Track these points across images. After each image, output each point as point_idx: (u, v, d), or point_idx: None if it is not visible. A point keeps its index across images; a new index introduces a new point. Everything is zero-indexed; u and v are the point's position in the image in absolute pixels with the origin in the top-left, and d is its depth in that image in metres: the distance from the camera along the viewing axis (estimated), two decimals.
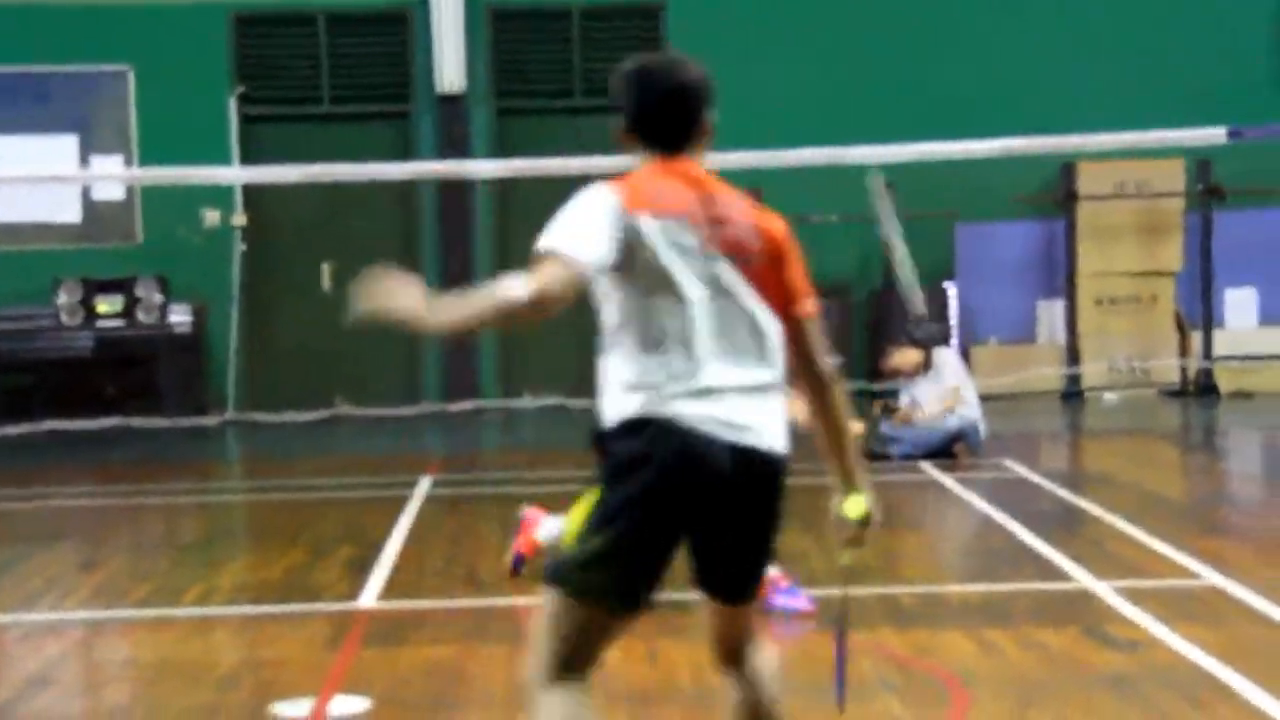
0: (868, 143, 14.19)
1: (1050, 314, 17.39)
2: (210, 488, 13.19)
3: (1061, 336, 17.24)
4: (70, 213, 17.19)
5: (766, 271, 4.22)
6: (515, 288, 3.87)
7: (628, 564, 4.12)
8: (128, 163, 17.07)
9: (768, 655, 4.47)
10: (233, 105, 17.20)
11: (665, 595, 8.48)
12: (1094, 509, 10.27)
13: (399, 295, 3.89)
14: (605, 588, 4.13)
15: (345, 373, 17.26)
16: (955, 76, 17.54)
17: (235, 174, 16.19)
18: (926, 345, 12.91)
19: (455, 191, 17.22)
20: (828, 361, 4.31)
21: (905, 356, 12.91)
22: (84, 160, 17.10)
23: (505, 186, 16.95)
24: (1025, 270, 17.59)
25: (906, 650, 6.94)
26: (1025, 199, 17.37)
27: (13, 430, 15.75)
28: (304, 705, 6.31)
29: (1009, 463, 12.31)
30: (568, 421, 16.14)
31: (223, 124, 17.19)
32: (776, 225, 4.32)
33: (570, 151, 14.53)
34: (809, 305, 4.30)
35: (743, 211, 4.26)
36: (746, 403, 4.14)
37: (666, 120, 4.30)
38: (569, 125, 17.33)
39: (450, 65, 17.21)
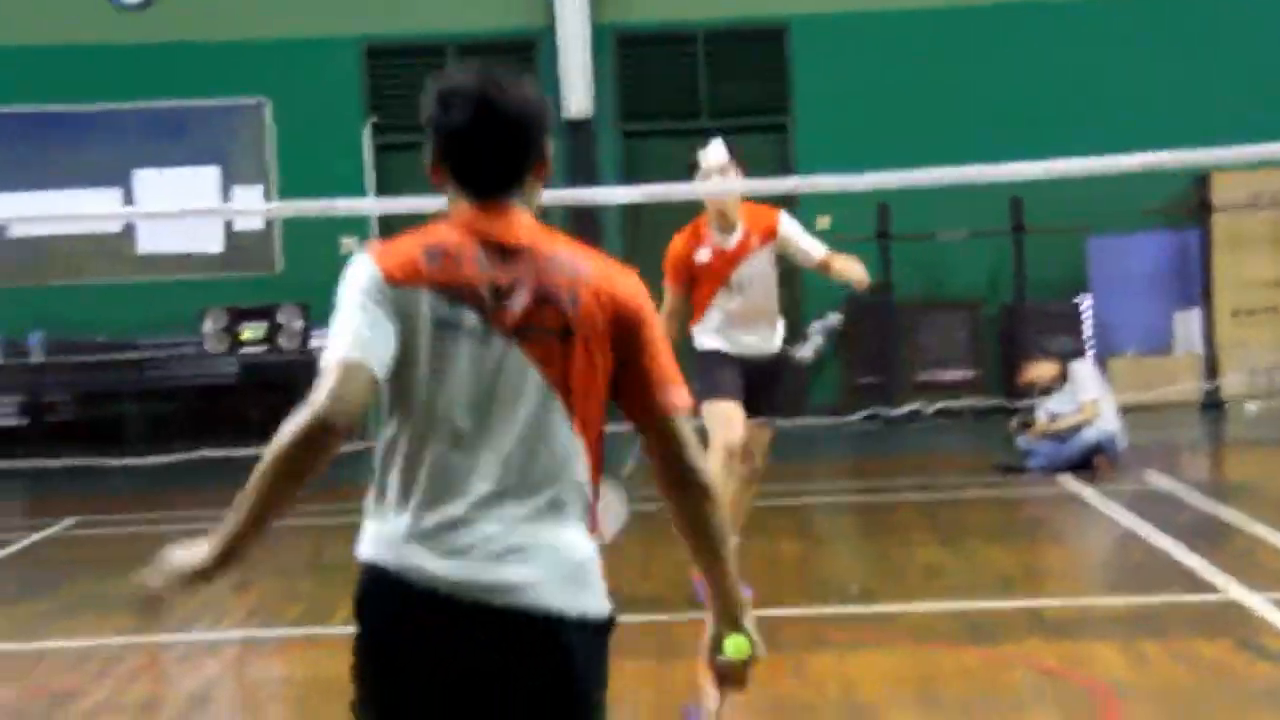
0: (997, 160, 14.16)
1: (1187, 325, 17.21)
2: (351, 509, 13.36)
3: (1199, 347, 17.05)
4: (213, 243, 17.53)
5: (598, 352, 3.22)
6: (296, 420, 3.10)
7: None
8: (267, 192, 17.37)
9: None
10: (367, 135, 17.48)
11: (812, 608, 8.53)
12: (1240, 519, 10.17)
13: (171, 560, 3.18)
14: None
15: None
16: (1084, 89, 17.43)
17: (373, 205, 16.41)
18: (1062, 359, 12.85)
19: (585, 218, 17.36)
20: (702, 468, 3.29)
21: (1041, 370, 12.86)
22: (225, 191, 17.43)
23: (634, 211, 17.06)
24: (1160, 282, 17.42)
25: (1056, 662, 6.92)
26: (1158, 210, 17.22)
27: (163, 458, 16.07)
28: None
29: (1150, 474, 12.21)
30: None
31: (357, 153, 17.46)
32: (627, 290, 3.28)
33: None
34: (674, 396, 3.27)
35: (566, 269, 3.23)
36: (516, 548, 3.14)
37: (477, 156, 3.29)
38: (696, 148, 17.39)
39: (578, 91, 17.36)
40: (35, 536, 11.78)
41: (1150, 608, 7.99)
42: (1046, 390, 12.79)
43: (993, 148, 14.75)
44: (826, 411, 17.13)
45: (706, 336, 8.28)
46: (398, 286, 3.17)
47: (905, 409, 16.78)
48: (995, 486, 12.27)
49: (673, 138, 17.54)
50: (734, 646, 3.35)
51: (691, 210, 8.91)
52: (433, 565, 3.12)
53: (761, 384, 8.18)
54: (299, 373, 16.76)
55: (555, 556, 3.16)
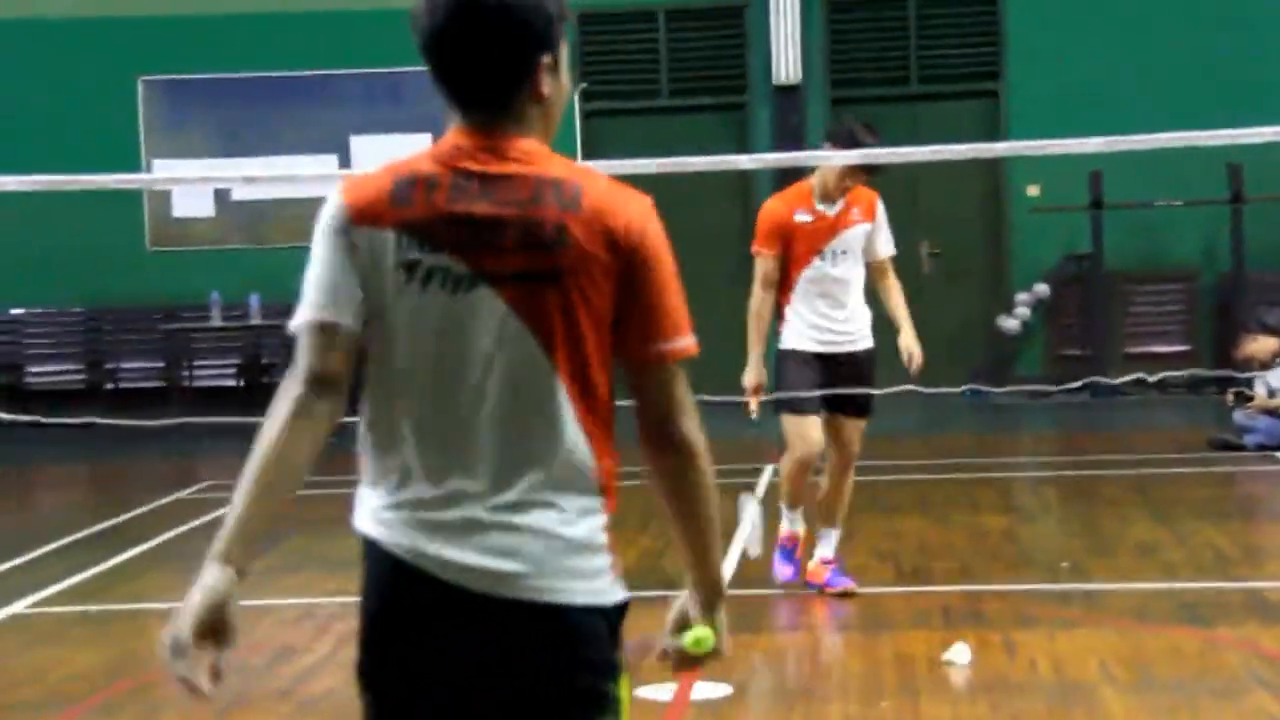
0: (1214, 126, 13.85)
1: None
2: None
3: None
4: None
5: (591, 293, 2.78)
6: (283, 393, 2.87)
7: None
8: None
9: None
10: (577, 101, 17.61)
11: (1020, 584, 8.44)
12: None
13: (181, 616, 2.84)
14: None
15: None
16: None
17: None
18: None
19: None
20: (689, 428, 2.83)
21: (1259, 344, 12.59)
22: None
23: None
24: None
25: (1274, 646, 6.79)
26: None
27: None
28: (667, 690, 6.46)
29: None
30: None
31: (569, 119, 17.59)
32: (629, 213, 2.81)
33: (905, 140, 14.50)
34: (675, 343, 2.82)
35: (555, 200, 2.78)
36: (503, 530, 2.76)
37: (456, 63, 2.84)
38: (905, 114, 17.26)
39: (787, 56, 17.31)
40: None
41: None
42: (1265, 365, 12.52)
43: (1210, 113, 14.44)
44: (1032, 383, 16.92)
45: (792, 330, 8.02)
46: (361, 226, 2.81)
47: (1116, 381, 16.52)
48: (1210, 463, 12.04)
49: (882, 104, 17.42)
50: (695, 639, 2.92)
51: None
52: (420, 543, 2.78)
53: (850, 383, 7.99)
54: None
55: (549, 540, 2.77)
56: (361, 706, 2.91)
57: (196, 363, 17.61)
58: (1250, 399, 12.50)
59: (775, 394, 8.00)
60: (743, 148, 17.12)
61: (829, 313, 7.97)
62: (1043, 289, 17.25)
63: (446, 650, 2.78)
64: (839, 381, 7.92)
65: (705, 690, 6.41)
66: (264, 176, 15.61)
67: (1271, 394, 12.37)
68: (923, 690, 6.27)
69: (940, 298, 16.89)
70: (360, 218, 2.82)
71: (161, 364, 17.66)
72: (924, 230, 17.15)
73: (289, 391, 2.85)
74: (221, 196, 17.82)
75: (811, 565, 8.06)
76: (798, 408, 7.90)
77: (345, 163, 17.53)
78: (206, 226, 17.95)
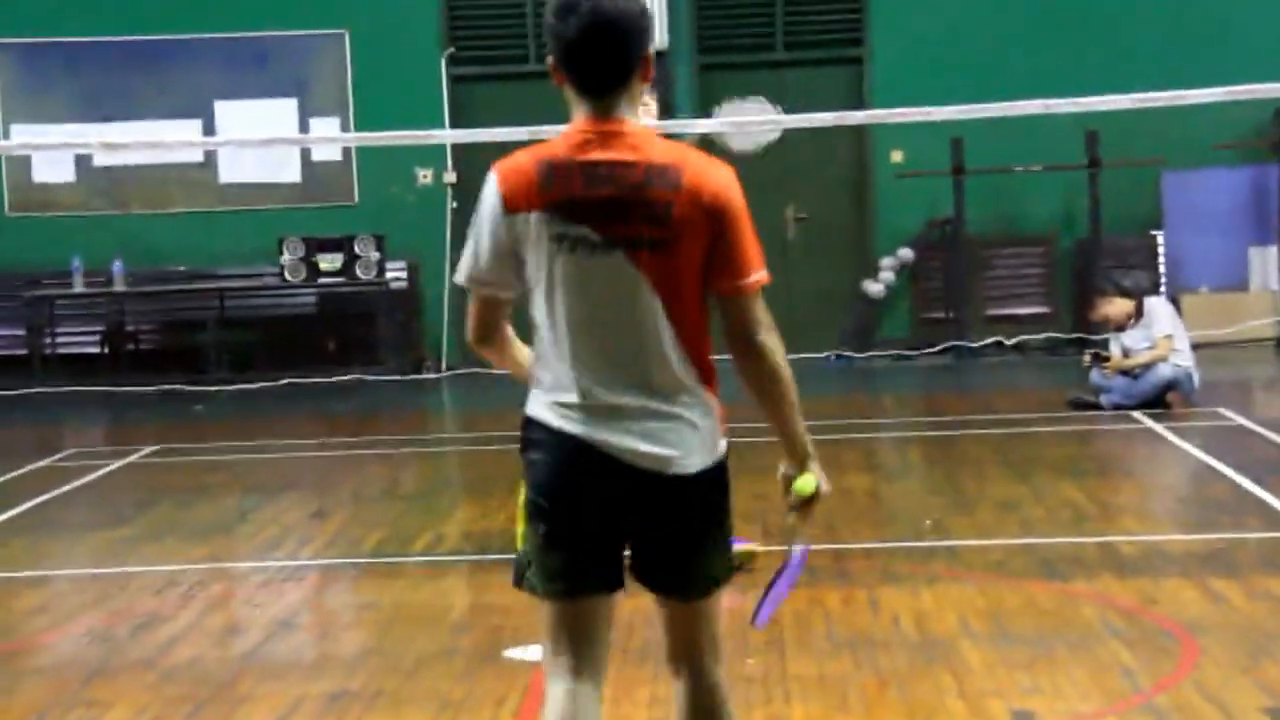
0: (1072, 92, 14.08)
1: (1263, 261, 17.08)
2: (429, 439, 13.54)
3: (1275, 284, 16.94)
4: (292, 173, 17.69)
5: (691, 251, 3.79)
6: (474, 345, 4.04)
7: (550, 557, 3.91)
8: (344, 124, 17.48)
9: (720, 671, 4.08)
10: (443, 66, 17.54)
11: (884, 543, 8.61)
12: None
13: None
14: (548, 585, 3.94)
15: None
16: (1160, 21, 17.28)
17: (449, 135, 16.49)
18: (1136, 294, 12.80)
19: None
20: (766, 337, 3.85)
21: (1115, 306, 12.82)
22: (303, 123, 17.54)
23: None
24: (1235, 217, 17.29)
25: (1131, 600, 6.97)
26: (1234, 145, 17.08)
27: (243, 385, 16.28)
28: (535, 650, 6.51)
29: (1224, 411, 12.19)
30: None
31: (435, 84, 17.54)
32: (716, 184, 3.81)
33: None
34: (750, 279, 3.83)
35: (662, 182, 3.78)
36: (631, 418, 3.82)
37: (589, 60, 3.82)
38: (772, 80, 17.35)
39: (654, 22, 17.34)
40: (117, 463, 11.99)
41: (1226, 545, 8.00)
42: (1120, 326, 12.77)
43: (1068, 80, 14.68)
44: (897, 346, 17.16)
45: None
46: (517, 213, 3.80)
47: (977, 344, 16.78)
48: (1068, 422, 12.29)
49: (749, 70, 17.52)
50: (799, 486, 3.97)
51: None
52: (594, 432, 3.81)
53: None
54: (375, 303, 16.95)
55: (678, 434, 3.82)
56: (534, 532, 3.92)
57: (59, 330, 17.38)
58: (1106, 359, 12.75)
59: None
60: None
61: None
62: (906, 253, 17.46)
63: (612, 496, 3.84)
64: None
65: None
66: (126, 143, 15.45)
67: (1126, 354, 12.63)
68: (789, 647, 6.37)
69: (806, 263, 17.08)
70: (515, 206, 3.81)
71: (23, 331, 17.41)
72: (790, 195, 17.31)
73: (473, 342, 4.02)
74: (83, 161, 17.57)
75: None
76: None
77: (209, 128, 17.35)
78: (67, 192, 17.70)
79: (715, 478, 3.90)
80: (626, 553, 3.96)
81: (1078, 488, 9.56)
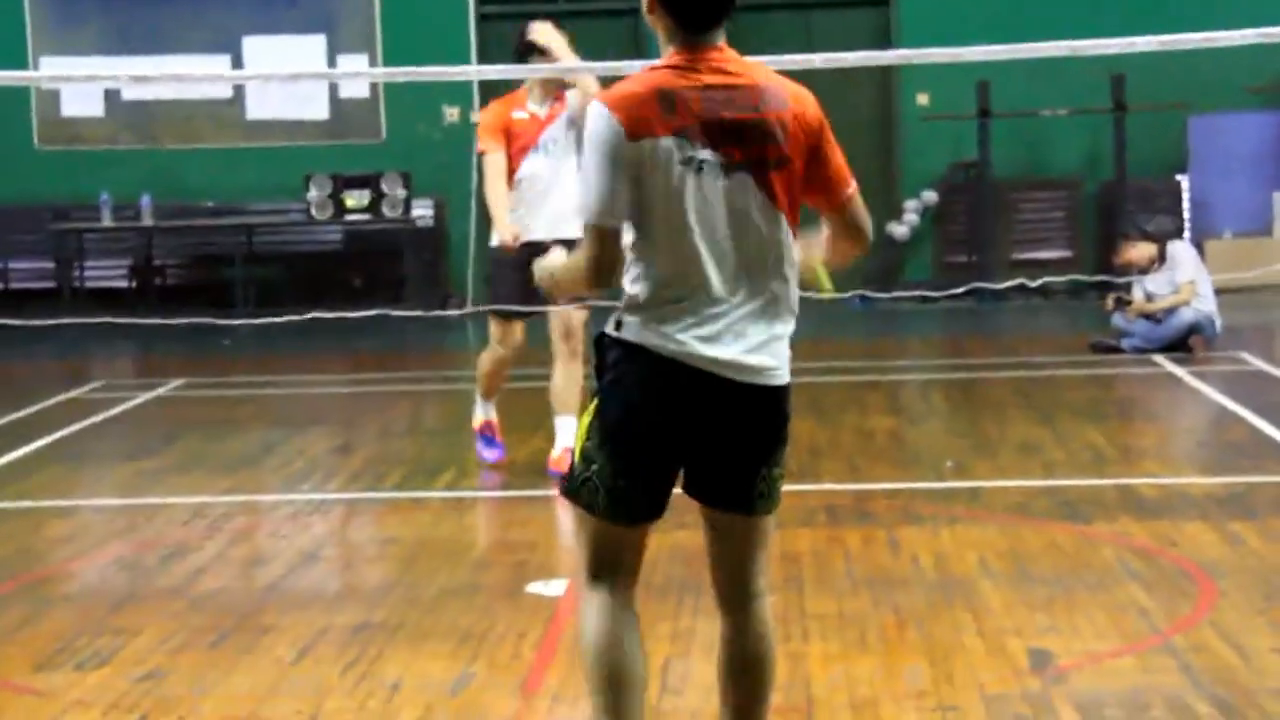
0: (1099, 35, 14.03)
1: None
2: (453, 375, 13.58)
3: None
4: (319, 110, 17.71)
5: (800, 167, 3.99)
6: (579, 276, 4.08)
7: (620, 482, 3.97)
8: (371, 61, 17.50)
9: (766, 609, 4.12)
10: (471, 3, 17.52)
11: (905, 484, 8.66)
12: None
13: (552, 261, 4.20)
14: (605, 504, 3.99)
15: None
16: None
17: (476, 72, 16.48)
18: (1159, 239, 12.80)
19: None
20: (867, 229, 4.17)
21: (1138, 250, 12.83)
22: (331, 59, 17.55)
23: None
24: (1261, 162, 17.23)
25: (1150, 541, 7.02)
26: (1262, 89, 17.01)
27: (270, 320, 16.32)
28: (558, 585, 6.59)
29: (1246, 356, 12.21)
30: None
31: (462, 21, 17.53)
32: (814, 104, 4.04)
33: (798, 49, 14.53)
34: (850, 188, 4.11)
35: (774, 103, 3.95)
36: (739, 333, 3.93)
37: (693, 7, 3.95)
38: (798, 23, 17.31)
39: None
40: (144, 396, 12.08)
41: (1244, 488, 8.04)
42: (1143, 270, 12.78)
43: (1096, 23, 14.62)
44: (921, 288, 17.16)
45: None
46: (639, 139, 3.86)
47: (1000, 287, 16.77)
48: (1090, 365, 12.31)
49: (776, 11, 17.40)
50: (819, 270, 4.31)
51: None
52: (686, 350, 3.90)
53: None
54: (401, 240, 16.99)
55: (779, 346, 3.98)
56: (610, 455, 3.97)
57: (88, 263, 17.45)
58: (1129, 303, 12.76)
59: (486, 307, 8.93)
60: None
61: (539, 209, 8.53)
62: (931, 196, 17.45)
63: (702, 417, 3.94)
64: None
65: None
66: (155, 76, 15.46)
67: (1149, 298, 12.64)
68: (808, 585, 6.43)
69: None
70: (637, 133, 3.86)
71: (52, 264, 17.49)
72: None
73: (593, 283, 4.04)
74: (111, 96, 17.60)
75: (556, 454, 8.47)
76: (503, 311, 8.63)
77: (237, 63, 17.37)
78: (96, 126, 17.75)
79: (789, 391, 4.04)
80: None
81: (1099, 431, 9.60)
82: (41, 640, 6.13)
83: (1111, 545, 6.96)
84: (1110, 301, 13.08)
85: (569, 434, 8.25)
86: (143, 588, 6.92)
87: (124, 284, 17.70)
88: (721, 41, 3.99)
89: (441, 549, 7.43)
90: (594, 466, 3.99)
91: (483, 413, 8.99)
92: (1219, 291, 12.96)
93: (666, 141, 3.86)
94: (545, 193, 8.56)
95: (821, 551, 6.90)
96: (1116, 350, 12.57)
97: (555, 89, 8.70)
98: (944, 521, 7.49)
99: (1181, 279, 12.51)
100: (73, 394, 12.19)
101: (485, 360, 8.87)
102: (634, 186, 3.88)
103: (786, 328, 4.01)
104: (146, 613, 6.45)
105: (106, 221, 16.94)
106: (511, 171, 8.59)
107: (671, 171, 3.87)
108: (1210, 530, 7.15)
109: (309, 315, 16.22)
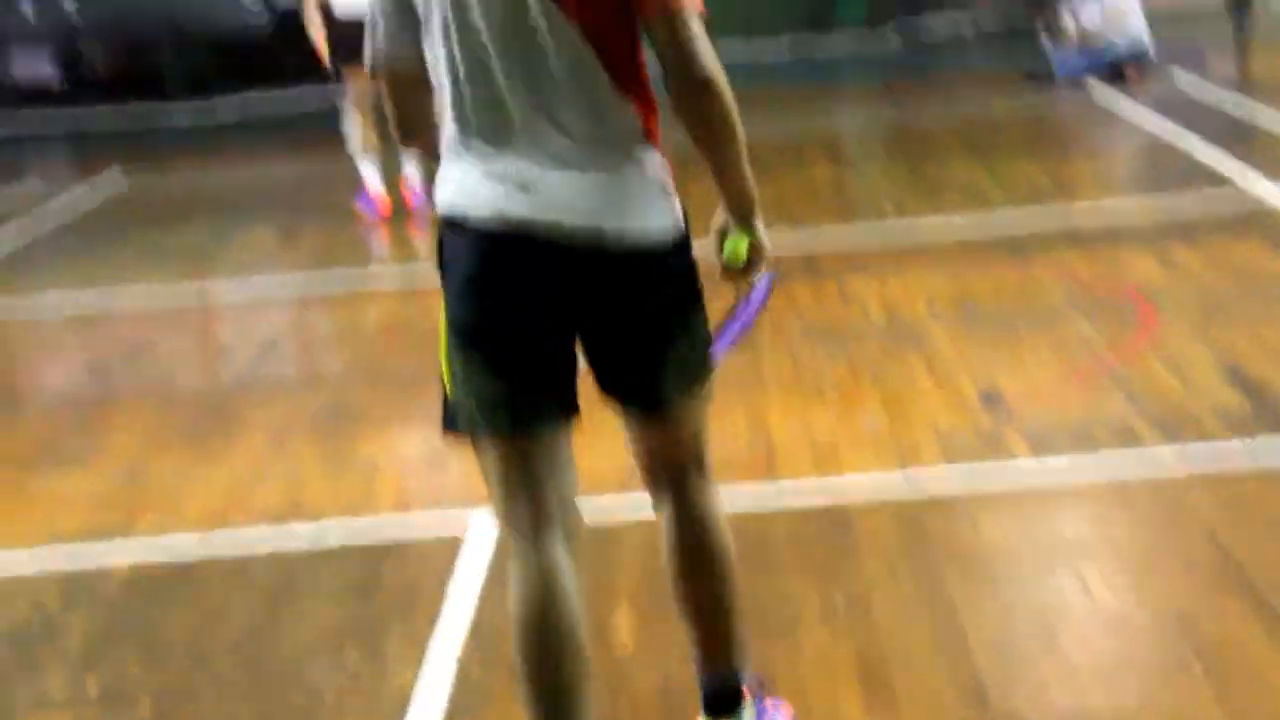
0: None
1: None
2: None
3: None
4: None
5: None
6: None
7: (494, 388, 3.14)
8: None
9: (710, 496, 3.39)
10: None
11: (849, 233, 8.72)
12: (1271, 120, 10.26)
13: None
14: (487, 420, 3.16)
15: None
16: None
17: None
18: None
19: None
20: (708, 64, 3.02)
21: None
22: None
23: None
24: None
25: (1089, 271, 7.17)
26: None
27: (198, 104, 16.17)
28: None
29: (1178, 77, 12.26)
30: None
31: None
32: None
33: None
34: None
35: None
36: (561, 177, 3.06)
37: None
38: None
39: None
40: (82, 190, 12.01)
41: (1180, 211, 8.16)
42: None
43: None
44: (853, 32, 17.01)
45: None
46: None
47: (935, 27, 16.72)
48: (1026, 100, 12.33)
49: None
50: (730, 248, 3.25)
51: None
52: (496, 214, 3.06)
53: None
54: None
55: (616, 197, 3.08)
56: (462, 361, 3.14)
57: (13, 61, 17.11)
58: (1060, 33, 12.74)
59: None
60: None
61: None
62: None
63: (546, 291, 3.08)
64: None
65: None
66: None
67: (1078, 25, 12.59)
68: (764, 344, 6.53)
69: None
70: None
71: None
72: None
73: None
74: None
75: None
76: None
77: None
78: None
79: (678, 245, 3.17)
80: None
81: (1036, 164, 9.70)
82: (18, 444, 6.25)
83: (1054, 280, 7.10)
84: (1041, 27, 13.02)
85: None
86: (112, 389, 7.01)
87: (50, 78, 17.39)
88: None
89: (402, 332, 7.47)
90: (457, 382, 3.17)
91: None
92: (1151, 17, 12.95)
93: None
94: None
95: (773, 307, 6.99)
96: (1050, 78, 12.59)
97: None
98: (890, 269, 7.60)
99: (1111, 4, 12.49)
100: (13, 190, 12.12)
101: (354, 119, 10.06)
102: (414, 19, 3.11)
103: (626, 167, 3.10)
104: (119, 412, 6.56)
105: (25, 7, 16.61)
106: None
107: None
108: (1148, 256, 7.29)
109: (249, 97, 16.07)
